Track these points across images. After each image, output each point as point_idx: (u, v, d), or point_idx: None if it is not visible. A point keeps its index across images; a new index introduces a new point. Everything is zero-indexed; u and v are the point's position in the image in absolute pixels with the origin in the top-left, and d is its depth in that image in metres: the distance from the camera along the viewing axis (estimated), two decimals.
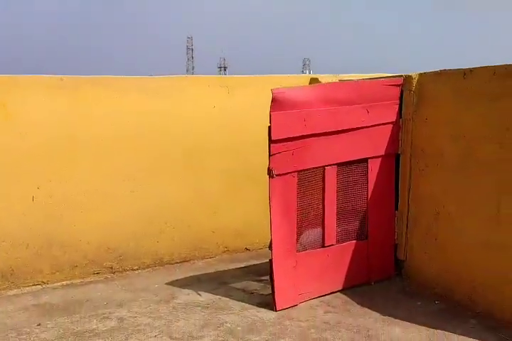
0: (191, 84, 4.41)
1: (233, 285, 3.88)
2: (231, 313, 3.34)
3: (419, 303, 3.46)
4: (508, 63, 2.96)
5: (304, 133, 3.34)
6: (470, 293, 3.30)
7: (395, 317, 3.21)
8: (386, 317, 3.23)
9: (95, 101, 3.98)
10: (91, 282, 4.02)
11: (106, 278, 4.12)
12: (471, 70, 3.21)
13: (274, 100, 3.17)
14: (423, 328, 3.06)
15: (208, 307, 3.47)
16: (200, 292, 3.76)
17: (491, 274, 3.15)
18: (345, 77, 4.73)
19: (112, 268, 4.15)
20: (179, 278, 4.08)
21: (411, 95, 3.66)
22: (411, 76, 3.67)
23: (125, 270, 4.20)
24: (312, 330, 3.07)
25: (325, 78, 4.73)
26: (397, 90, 3.70)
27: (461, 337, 2.94)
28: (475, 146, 3.22)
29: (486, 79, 3.10)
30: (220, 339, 2.97)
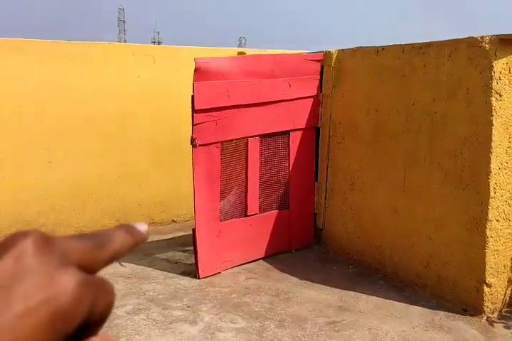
0: (115, 52, 4.23)
1: (158, 255, 3.90)
2: (154, 282, 3.38)
3: (334, 268, 3.69)
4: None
5: (227, 104, 3.36)
6: (379, 257, 3.55)
7: (312, 281, 3.41)
8: (303, 282, 3.41)
9: (4, 64, 3.75)
10: None
11: None
12: (383, 48, 3.36)
13: (197, 70, 3.15)
14: (336, 290, 3.29)
15: (130, 277, 3.48)
16: (123, 263, 3.74)
17: (397, 238, 3.40)
18: (272, 52, 4.78)
19: None
20: None
21: (330, 70, 3.78)
22: (330, 52, 3.78)
23: None
24: (233, 295, 3.19)
25: (252, 52, 4.75)
26: (318, 65, 3.80)
27: (369, 296, 3.19)
28: (385, 119, 3.41)
29: (396, 57, 3.26)
30: (142, 307, 3.01)
